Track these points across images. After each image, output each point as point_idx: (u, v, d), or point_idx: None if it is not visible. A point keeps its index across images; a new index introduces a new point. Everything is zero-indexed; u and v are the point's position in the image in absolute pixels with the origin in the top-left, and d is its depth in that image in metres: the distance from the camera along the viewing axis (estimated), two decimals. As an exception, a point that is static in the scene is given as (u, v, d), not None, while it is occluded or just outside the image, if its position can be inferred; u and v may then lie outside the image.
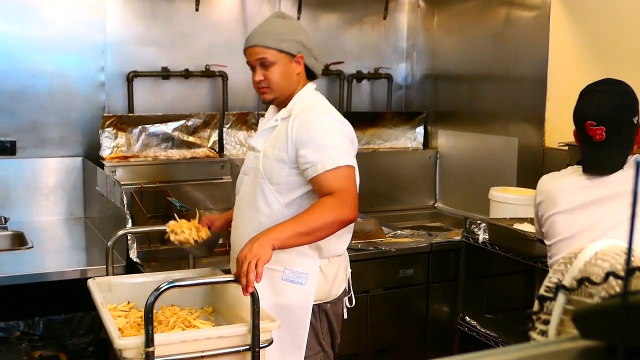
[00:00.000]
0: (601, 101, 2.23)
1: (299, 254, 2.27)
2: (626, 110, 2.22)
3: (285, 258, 2.25)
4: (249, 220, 2.32)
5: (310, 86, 2.39)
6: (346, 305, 2.51)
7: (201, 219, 2.45)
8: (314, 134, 2.21)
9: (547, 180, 2.40)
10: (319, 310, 2.35)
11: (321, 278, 2.32)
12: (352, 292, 2.52)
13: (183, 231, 2.32)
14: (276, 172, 2.27)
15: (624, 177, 2.26)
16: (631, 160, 2.23)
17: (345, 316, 2.51)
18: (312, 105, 2.31)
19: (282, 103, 2.36)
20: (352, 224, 2.31)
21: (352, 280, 2.57)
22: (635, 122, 2.22)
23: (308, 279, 2.29)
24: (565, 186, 2.31)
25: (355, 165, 2.27)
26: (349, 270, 2.50)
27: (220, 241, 2.60)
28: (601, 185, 2.25)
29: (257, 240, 2.03)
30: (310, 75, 2.41)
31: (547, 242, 2.36)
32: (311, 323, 2.32)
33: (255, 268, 1.96)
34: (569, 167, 2.37)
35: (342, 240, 2.35)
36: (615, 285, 0.85)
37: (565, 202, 2.29)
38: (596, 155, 2.23)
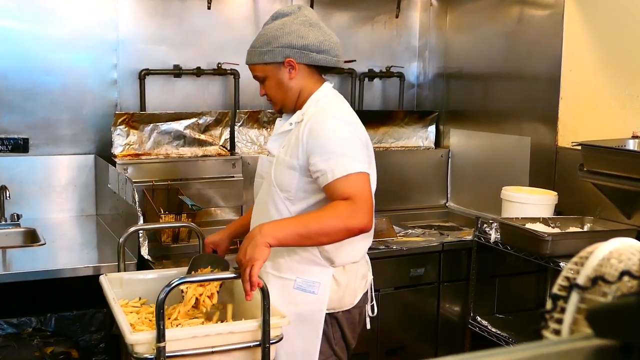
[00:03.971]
0: None
1: (310, 262, 2.22)
2: None
3: (296, 266, 2.22)
4: None
5: (326, 86, 2.30)
6: (369, 315, 2.42)
7: (205, 246, 2.44)
8: (323, 140, 2.12)
9: None
10: (331, 318, 2.27)
11: (334, 286, 2.24)
12: (374, 302, 2.44)
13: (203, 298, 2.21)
14: (286, 179, 2.20)
15: None
16: None
17: (369, 326, 2.43)
18: (324, 108, 2.21)
19: (298, 107, 2.28)
20: (371, 231, 2.22)
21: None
22: None
23: (320, 287, 2.22)
24: None
25: (370, 170, 2.18)
26: (370, 278, 2.41)
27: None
28: None
29: (253, 239, 1.99)
30: (325, 68, 2.30)
31: None
32: (323, 331, 2.26)
33: (251, 276, 1.94)
34: None
35: (354, 247, 2.26)
36: (630, 285, 0.85)
37: None
38: None
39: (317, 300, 2.23)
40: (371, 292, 2.43)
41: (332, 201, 2.08)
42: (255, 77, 2.35)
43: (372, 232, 2.26)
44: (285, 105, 2.31)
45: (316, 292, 2.22)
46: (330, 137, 2.12)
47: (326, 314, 2.25)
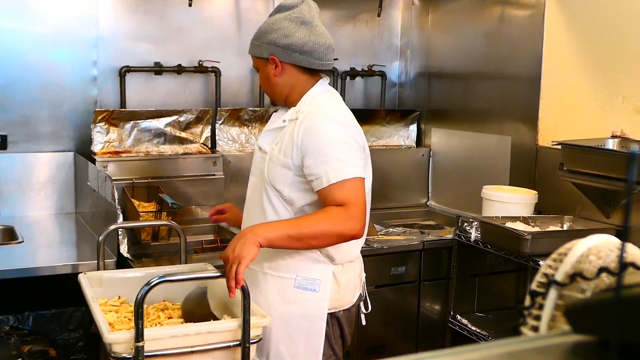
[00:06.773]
0: None
1: (310, 260, 2.20)
2: None
3: (296, 265, 2.20)
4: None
5: (321, 84, 2.29)
6: (362, 312, 2.45)
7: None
8: (319, 143, 2.09)
9: None
10: (332, 317, 2.26)
11: (335, 285, 2.23)
12: (367, 297, 2.46)
13: None
14: (280, 177, 2.18)
15: None
16: None
17: (364, 322, 2.46)
18: (319, 107, 2.18)
19: (291, 102, 2.27)
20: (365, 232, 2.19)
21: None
22: None
23: (321, 285, 2.21)
24: None
25: (366, 174, 2.16)
26: (364, 275, 2.42)
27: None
28: None
29: (243, 237, 1.97)
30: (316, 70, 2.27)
31: None
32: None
33: (237, 274, 1.90)
34: None
35: (353, 245, 2.23)
36: (608, 281, 0.85)
37: None
38: None
39: (318, 298, 2.21)
40: (364, 290, 2.44)
41: (326, 205, 2.07)
42: (253, 66, 2.38)
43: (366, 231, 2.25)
44: (275, 98, 2.32)
45: (317, 289, 2.21)
46: (326, 139, 2.10)
47: (328, 313, 2.24)
